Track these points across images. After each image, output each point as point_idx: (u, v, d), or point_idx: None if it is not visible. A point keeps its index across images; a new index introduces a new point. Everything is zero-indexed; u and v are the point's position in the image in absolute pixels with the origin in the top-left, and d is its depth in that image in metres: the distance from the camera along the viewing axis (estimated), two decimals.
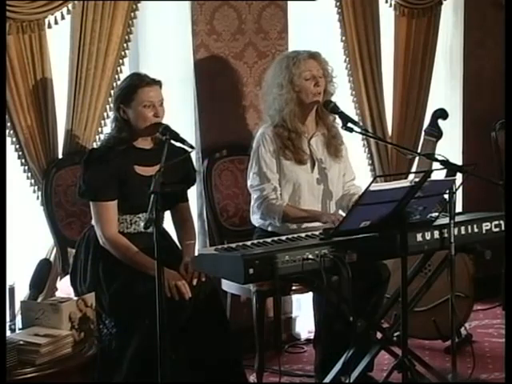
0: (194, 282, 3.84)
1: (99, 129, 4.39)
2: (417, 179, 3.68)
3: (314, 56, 4.31)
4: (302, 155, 4.32)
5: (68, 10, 4.25)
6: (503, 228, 3.96)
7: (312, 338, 4.78)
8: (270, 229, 4.32)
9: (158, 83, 3.99)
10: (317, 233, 3.85)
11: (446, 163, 3.89)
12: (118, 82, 4.31)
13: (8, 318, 3.55)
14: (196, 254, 4.00)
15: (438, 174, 4.07)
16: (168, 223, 4.18)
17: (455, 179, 3.81)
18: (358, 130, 4.22)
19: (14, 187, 4.22)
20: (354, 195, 4.37)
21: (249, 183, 4.37)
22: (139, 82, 3.95)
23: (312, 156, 4.37)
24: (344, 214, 4.12)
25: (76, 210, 4.32)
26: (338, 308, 3.96)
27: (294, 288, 4.36)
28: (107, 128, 4.24)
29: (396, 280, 4.02)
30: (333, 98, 4.32)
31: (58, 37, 4.32)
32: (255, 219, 4.40)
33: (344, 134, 4.31)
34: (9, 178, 3.97)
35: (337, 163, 4.41)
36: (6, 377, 3.20)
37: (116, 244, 3.92)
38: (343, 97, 5.02)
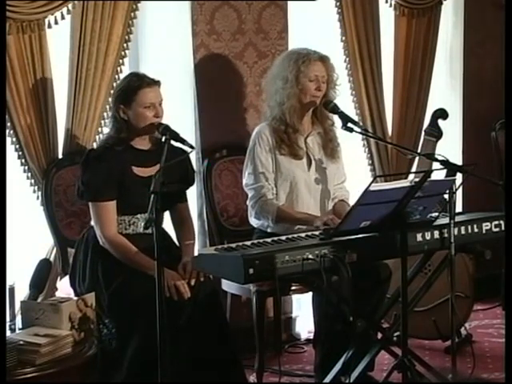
0: (192, 282, 3.84)
1: (99, 129, 4.39)
2: (417, 179, 3.68)
3: (324, 59, 4.31)
4: (297, 150, 4.32)
5: (68, 10, 4.25)
6: (503, 228, 3.96)
7: (312, 337, 4.78)
8: (269, 230, 4.32)
9: (157, 83, 3.99)
10: (317, 233, 3.85)
11: (446, 163, 3.89)
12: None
13: (8, 318, 3.55)
14: (196, 253, 4.00)
15: (438, 174, 4.07)
16: (167, 223, 4.18)
17: (455, 179, 3.81)
18: (358, 130, 4.22)
19: (14, 187, 4.21)
20: (335, 198, 4.40)
21: (244, 182, 4.37)
22: (139, 82, 3.95)
23: (308, 154, 4.37)
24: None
25: (76, 209, 4.31)
26: (337, 308, 3.97)
27: (293, 288, 4.36)
28: (107, 128, 4.23)
29: (396, 280, 4.03)
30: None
31: (58, 37, 4.32)
32: (253, 220, 4.40)
33: (344, 133, 4.31)
34: (9, 178, 3.97)
35: (333, 163, 4.42)
36: (6, 377, 3.20)
37: (116, 244, 3.92)
38: (343, 97, 5.01)
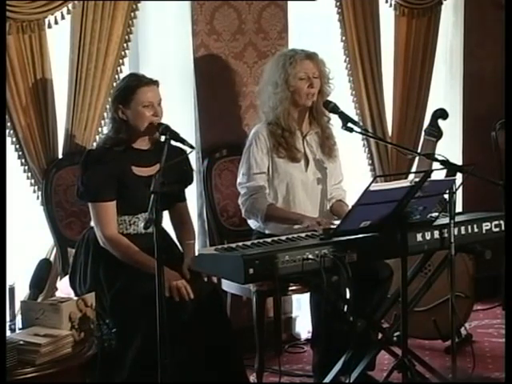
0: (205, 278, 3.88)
1: (99, 129, 4.39)
2: (417, 179, 3.68)
3: (311, 57, 4.31)
4: (295, 153, 4.33)
5: (68, 9, 4.25)
6: (503, 228, 3.96)
7: None
8: (267, 231, 4.31)
9: (156, 83, 4.00)
10: (317, 233, 3.85)
11: (446, 163, 3.89)
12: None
13: (8, 318, 3.55)
14: (196, 253, 4.00)
15: (438, 174, 4.07)
16: (167, 223, 4.18)
17: (455, 179, 3.81)
18: (358, 130, 4.22)
19: (13, 187, 4.21)
20: (333, 198, 4.41)
21: (238, 181, 4.37)
22: (137, 82, 3.96)
23: (306, 155, 4.37)
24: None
25: (76, 209, 4.31)
26: (337, 308, 3.96)
27: (293, 288, 4.36)
28: (106, 129, 4.23)
29: (396, 280, 4.03)
30: (333, 98, 4.32)
31: (58, 37, 4.32)
32: (251, 222, 4.40)
33: (344, 133, 4.30)
34: (9, 177, 3.96)
35: (330, 162, 4.42)
36: (6, 377, 3.20)
37: (116, 244, 3.92)
38: (343, 97, 5.02)
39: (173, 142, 3.81)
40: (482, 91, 5.79)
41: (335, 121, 4.36)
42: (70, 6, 4.24)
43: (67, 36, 4.32)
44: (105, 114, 4.37)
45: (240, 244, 3.73)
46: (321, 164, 4.39)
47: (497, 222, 3.99)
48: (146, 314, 3.63)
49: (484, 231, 3.98)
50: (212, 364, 3.84)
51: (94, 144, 4.33)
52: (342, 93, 4.95)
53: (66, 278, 4.13)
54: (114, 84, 4.33)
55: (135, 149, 4.02)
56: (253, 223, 4.39)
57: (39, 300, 3.75)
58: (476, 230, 3.96)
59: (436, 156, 4.03)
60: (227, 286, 4.54)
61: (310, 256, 3.53)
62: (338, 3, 5.10)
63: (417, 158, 5.11)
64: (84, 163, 3.97)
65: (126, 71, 4.45)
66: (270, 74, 4.34)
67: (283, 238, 3.82)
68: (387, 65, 5.36)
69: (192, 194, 4.59)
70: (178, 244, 4.14)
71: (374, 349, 4.08)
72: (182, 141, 3.79)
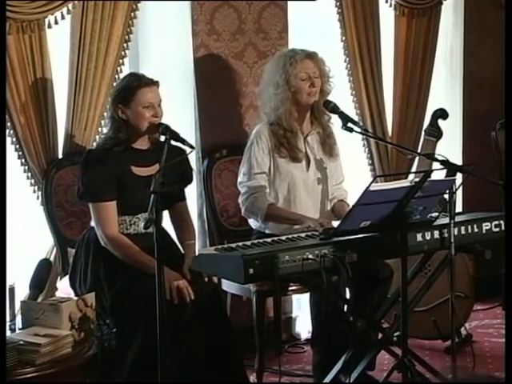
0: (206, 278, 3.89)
1: (99, 129, 4.39)
2: (417, 179, 3.68)
3: (311, 56, 4.31)
4: (297, 153, 4.33)
5: (68, 9, 4.25)
6: (503, 228, 3.96)
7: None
8: (267, 231, 4.31)
9: (156, 83, 4.00)
10: (317, 233, 3.85)
11: (446, 163, 3.89)
12: None
13: (8, 318, 3.55)
14: (196, 253, 4.00)
15: (438, 174, 4.07)
16: (167, 223, 4.18)
17: (455, 179, 3.81)
18: (358, 130, 4.22)
19: (14, 187, 4.21)
20: (334, 198, 4.40)
21: (238, 180, 4.37)
22: (138, 82, 3.95)
23: (307, 155, 4.37)
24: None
25: (76, 209, 4.31)
26: (337, 308, 3.96)
27: (293, 288, 4.36)
28: (105, 129, 4.23)
29: (396, 280, 4.03)
30: (333, 98, 4.32)
31: (58, 37, 4.32)
32: (251, 221, 4.40)
33: (344, 133, 4.30)
34: (9, 177, 3.96)
35: (331, 162, 4.42)
36: (6, 377, 3.20)
37: (118, 244, 3.92)
38: (343, 97, 5.03)
39: (173, 142, 3.82)
40: (482, 91, 5.79)
41: (335, 120, 4.36)
42: (70, 5, 4.24)
43: (67, 36, 4.32)
44: (105, 114, 4.37)
45: (240, 244, 3.73)
46: (322, 164, 4.39)
47: (497, 222, 3.99)
48: (146, 314, 3.63)
49: (484, 231, 3.98)
50: (212, 364, 3.84)
51: (94, 144, 4.33)
52: (342, 93, 4.95)
53: (66, 278, 4.13)
54: (114, 84, 4.33)
55: (135, 149, 4.02)
56: (253, 222, 4.40)
57: (39, 300, 3.75)
58: (476, 229, 3.96)
59: (436, 156, 4.03)
60: (227, 286, 4.54)
61: (310, 256, 3.53)
62: (338, 3, 5.10)
63: (417, 158, 5.11)
64: (84, 163, 3.97)
65: (125, 71, 4.45)
66: (271, 75, 4.34)
67: (283, 237, 3.82)
68: (387, 65, 5.36)
69: (192, 194, 4.59)
70: (178, 244, 4.14)
71: (374, 349, 4.08)
72: (182, 141, 3.79)
